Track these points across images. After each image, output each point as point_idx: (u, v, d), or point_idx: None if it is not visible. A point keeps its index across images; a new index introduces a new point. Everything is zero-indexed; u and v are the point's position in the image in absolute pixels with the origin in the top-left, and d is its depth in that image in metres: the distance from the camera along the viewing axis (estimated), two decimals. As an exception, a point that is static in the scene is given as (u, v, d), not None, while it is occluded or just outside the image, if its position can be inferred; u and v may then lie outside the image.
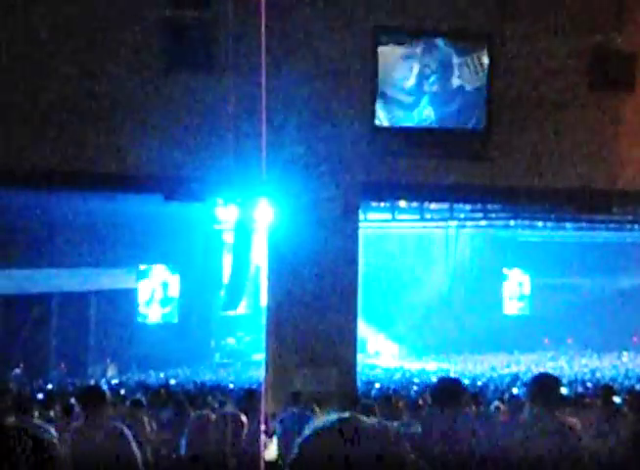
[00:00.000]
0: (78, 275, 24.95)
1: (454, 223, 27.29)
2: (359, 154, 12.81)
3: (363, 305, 14.34)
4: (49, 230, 23.23)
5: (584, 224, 24.75)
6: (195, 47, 12.19)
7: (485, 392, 14.64)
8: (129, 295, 28.51)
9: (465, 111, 12.93)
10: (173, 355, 27.59)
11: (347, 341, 12.81)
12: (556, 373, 20.91)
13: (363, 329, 22.56)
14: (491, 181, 13.29)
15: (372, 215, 22.25)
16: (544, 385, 4.70)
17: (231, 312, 30.38)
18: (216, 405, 9.92)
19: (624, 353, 31.06)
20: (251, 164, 11.92)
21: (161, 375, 23.35)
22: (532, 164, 13.19)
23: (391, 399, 8.77)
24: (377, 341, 32.42)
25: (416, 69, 12.70)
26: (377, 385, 16.47)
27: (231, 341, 31.59)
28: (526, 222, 25.95)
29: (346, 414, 1.63)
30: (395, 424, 5.58)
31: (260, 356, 17.73)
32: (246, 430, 6.16)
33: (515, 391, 14.31)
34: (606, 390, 9.05)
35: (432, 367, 27.29)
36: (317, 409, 8.56)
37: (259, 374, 18.27)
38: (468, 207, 22.62)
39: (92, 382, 18.06)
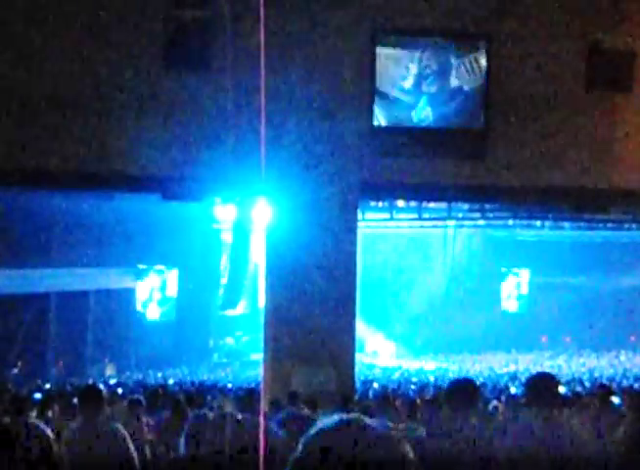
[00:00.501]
0: (77, 275, 24.94)
1: (452, 223, 27.29)
2: (358, 153, 12.82)
3: (361, 305, 14.36)
4: (47, 230, 23.23)
5: (582, 224, 24.77)
6: (194, 46, 12.19)
7: (483, 391, 14.64)
8: (128, 294, 28.51)
9: (463, 110, 12.94)
10: (172, 355, 27.61)
11: (345, 340, 12.82)
12: (554, 372, 20.93)
13: (361, 329, 22.55)
14: (489, 181, 13.30)
15: (370, 215, 22.26)
16: (542, 384, 4.70)
17: (229, 312, 30.39)
18: (215, 405, 9.92)
19: (622, 353, 31.09)
20: (249, 163, 11.92)
21: (160, 375, 23.35)
22: (530, 164, 13.21)
23: (389, 399, 8.77)
24: (375, 340, 32.43)
25: (414, 69, 12.71)
26: (375, 384, 16.49)
27: (229, 340, 31.60)
28: (524, 222, 25.96)
29: (350, 415, 1.64)
30: (401, 426, 5.58)
31: (259, 356, 17.75)
32: (244, 430, 6.16)
33: (513, 390, 14.32)
34: (603, 389, 9.05)
35: (430, 367, 27.31)
36: (315, 410, 8.57)
37: (258, 374, 18.28)
38: (466, 206, 22.62)
39: (90, 381, 18.05)
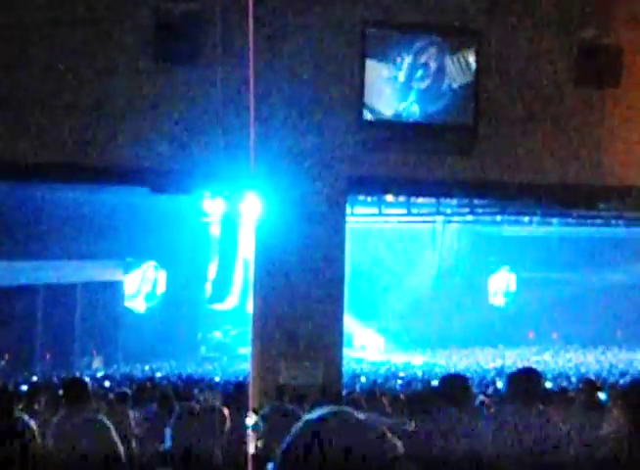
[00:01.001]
0: (64, 267, 24.89)
1: (441, 218, 27.35)
2: (347, 148, 12.81)
3: (350, 300, 14.39)
4: (35, 223, 23.15)
5: (570, 220, 24.86)
6: (182, 39, 12.16)
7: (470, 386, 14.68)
8: (116, 287, 28.47)
9: (452, 106, 12.95)
10: (159, 348, 27.58)
11: (333, 335, 12.83)
12: (540, 367, 21.07)
13: (349, 323, 22.61)
14: (478, 176, 13.32)
15: (359, 210, 22.28)
16: (524, 379, 4.73)
17: (217, 306, 30.38)
18: (202, 399, 9.94)
19: (609, 348, 31.26)
20: (238, 156, 11.90)
21: (147, 368, 23.34)
22: (518, 160, 13.23)
23: (376, 393, 8.79)
24: (363, 335, 32.50)
25: (405, 63, 12.71)
26: (362, 379, 16.53)
27: (217, 334, 31.60)
28: (512, 218, 26.03)
29: (337, 408, 1.64)
30: (390, 420, 5.60)
31: (246, 350, 17.75)
32: (230, 423, 6.18)
33: (499, 385, 14.39)
34: (589, 384, 9.10)
35: (417, 361, 27.39)
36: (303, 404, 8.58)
37: (245, 368, 18.29)
38: (454, 202, 22.66)
39: (77, 374, 18.02)
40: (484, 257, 35.33)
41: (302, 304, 12.43)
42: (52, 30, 12.11)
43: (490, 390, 12.90)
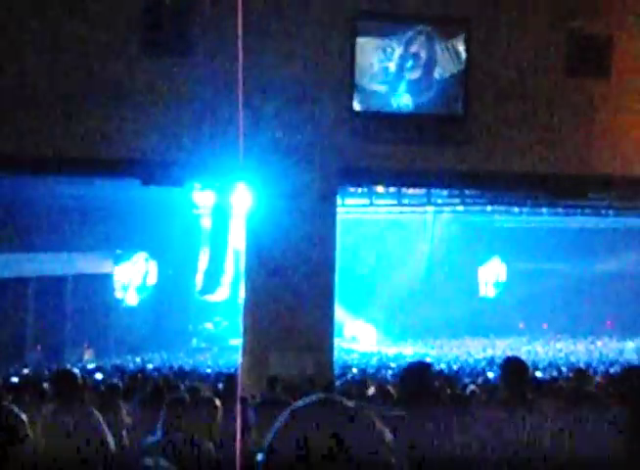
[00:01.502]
0: (55, 259, 24.83)
1: (431, 209, 27.39)
2: (337, 139, 12.81)
3: (340, 291, 14.40)
4: (26, 215, 23.07)
5: (560, 210, 24.91)
6: (172, 31, 12.12)
7: (461, 375, 14.75)
8: (107, 279, 28.43)
9: (443, 96, 12.95)
10: (151, 340, 27.57)
11: (324, 326, 12.85)
12: (531, 357, 21.13)
13: (340, 314, 22.64)
14: (468, 167, 13.34)
15: (350, 201, 22.29)
16: (513, 369, 4.75)
17: (209, 297, 30.36)
18: (193, 390, 9.93)
19: (598, 338, 31.39)
20: (228, 148, 11.89)
21: (138, 360, 23.33)
22: (509, 150, 13.25)
23: (367, 383, 8.83)
24: (354, 326, 32.55)
25: (395, 54, 12.70)
26: (354, 370, 16.57)
27: (209, 326, 31.60)
28: (503, 208, 26.08)
29: (323, 396, 1.65)
30: (377, 407, 5.61)
31: (238, 341, 17.75)
32: (221, 414, 6.19)
33: (490, 375, 14.44)
34: (579, 374, 9.15)
35: (408, 352, 27.46)
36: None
37: (236, 359, 18.30)
38: (445, 192, 22.69)
39: (68, 367, 18.00)
40: (475, 247, 35.39)
41: (293, 295, 12.44)
42: (40, 22, 12.05)
43: (481, 380, 12.94)
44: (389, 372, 15.92)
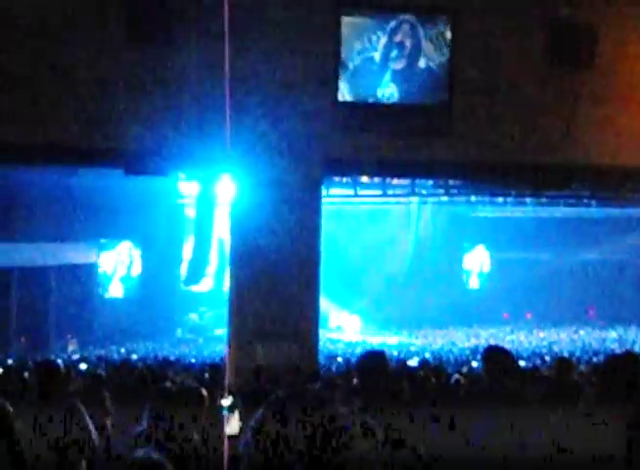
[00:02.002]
0: (39, 249, 24.71)
1: (416, 199, 27.42)
2: (322, 129, 12.80)
3: (325, 281, 14.41)
4: (9, 205, 22.95)
5: (543, 200, 24.99)
6: (156, 20, 12.05)
7: (446, 365, 14.82)
8: (91, 269, 28.34)
9: (428, 86, 12.96)
10: (135, 330, 27.51)
11: (309, 315, 12.87)
12: (514, 347, 21.24)
13: (325, 304, 22.67)
14: (453, 157, 13.37)
15: (334, 191, 22.27)
16: (496, 359, 4.77)
17: (193, 288, 30.30)
18: (178, 380, 9.93)
19: (581, 327, 31.58)
20: (213, 138, 11.86)
21: (123, 350, 23.28)
22: (493, 140, 13.29)
23: (350, 373, 8.84)
24: (339, 315, 32.60)
25: (379, 44, 12.69)
26: (339, 359, 16.61)
27: (193, 316, 31.56)
28: (487, 198, 26.14)
29: (300, 388, 1.66)
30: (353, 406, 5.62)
31: (222, 332, 17.76)
32: (207, 405, 6.19)
33: (474, 364, 14.52)
34: (562, 363, 9.19)
35: (393, 341, 27.55)
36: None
37: (222, 349, 18.29)
38: (429, 182, 22.72)
39: (52, 357, 17.95)
40: (459, 237, 35.50)
41: (278, 285, 12.45)
42: (23, 12, 11.96)
43: (465, 369, 13.00)
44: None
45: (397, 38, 12.72)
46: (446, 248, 35.21)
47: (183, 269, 29.42)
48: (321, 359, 14.17)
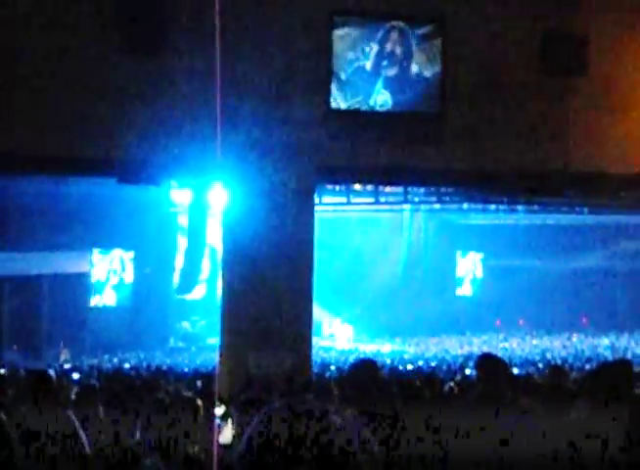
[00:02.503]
0: (31, 258, 24.64)
1: (408, 207, 27.47)
2: (314, 137, 12.80)
3: (318, 289, 14.39)
4: (0, 213, 22.89)
5: (536, 207, 25.06)
6: (148, 28, 12.05)
7: (439, 373, 14.81)
8: (83, 278, 28.26)
9: (420, 94, 12.98)
10: (128, 340, 27.43)
11: (302, 324, 12.85)
12: (507, 354, 21.23)
13: (318, 312, 22.64)
14: (445, 165, 13.38)
15: (327, 199, 22.29)
16: (489, 366, 4.77)
17: (185, 296, 30.24)
18: (171, 389, 9.91)
19: (574, 334, 31.62)
20: (205, 147, 11.85)
21: (115, 359, 23.21)
22: (486, 148, 13.31)
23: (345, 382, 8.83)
24: (332, 324, 32.57)
25: (371, 52, 12.72)
26: (332, 367, 16.59)
27: (186, 325, 31.49)
28: (479, 206, 26.20)
29: (297, 398, 1.65)
30: (350, 412, 5.60)
31: (215, 340, 17.72)
32: (201, 414, 6.18)
33: (467, 371, 14.51)
34: (556, 370, 9.20)
35: (386, 349, 27.54)
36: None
37: (214, 358, 18.25)
38: (422, 190, 22.76)
39: (45, 367, 17.88)
40: (452, 245, 35.55)
41: (271, 294, 12.43)
42: (13, 19, 11.95)
43: (459, 376, 12.99)
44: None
45: (389, 47, 12.75)
46: (439, 255, 35.25)
47: (176, 278, 29.39)
48: (314, 368, 14.14)
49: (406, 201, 24.10)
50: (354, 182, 19.69)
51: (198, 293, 30.35)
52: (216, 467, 4.29)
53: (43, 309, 26.00)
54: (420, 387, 8.58)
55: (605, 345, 27.90)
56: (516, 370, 14.39)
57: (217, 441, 5.80)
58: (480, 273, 36.98)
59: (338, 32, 12.63)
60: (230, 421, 7.46)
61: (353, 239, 33.44)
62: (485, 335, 31.97)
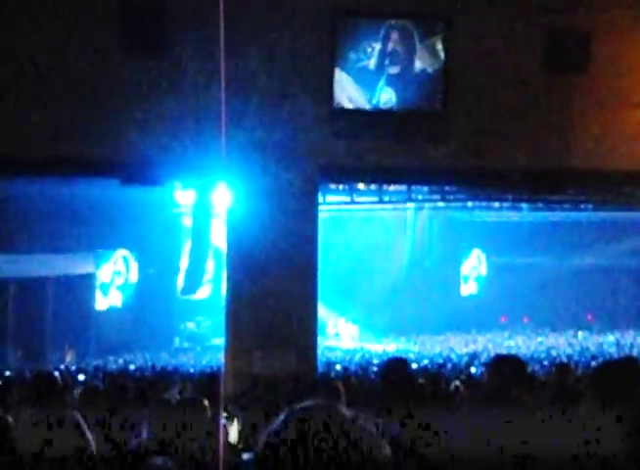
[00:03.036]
0: (35, 261, 24.67)
1: (412, 205, 27.45)
2: (318, 137, 12.79)
3: (322, 288, 14.40)
4: (4, 216, 22.92)
5: (540, 204, 25.04)
6: (152, 28, 12.05)
7: (444, 371, 14.79)
8: (87, 280, 28.26)
9: (424, 93, 12.97)
10: (133, 340, 27.46)
11: (307, 323, 12.85)
12: (512, 352, 21.21)
13: (323, 311, 22.64)
14: (449, 163, 13.37)
15: (331, 198, 22.29)
16: (504, 366, 4.74)
17: (190, 296, 30.27)
18: (176, 390, 9.91)
19: (580, 332, 31.58)
20: (209, 147, 11.85)
21: (120, 360, 23.23)
22: (488, 146, 13.29)
23: (351, 381, 8.83)
24: (336, 323, 32.55)
25: (374, 51, 12.70)
26: (337, 367, 16.58)
27: (191, 325, 31.51)
28: (483, 203, 26.18)
29: (323, 402, 1.62)
30: (376, 419, 5.59)
31: (220, 340, 17.72)
32: (207, 414, 6.17)
33: (473, 370, 14.50)
34: (561, 368, 9.20)
35: (391, 348, 27.52)
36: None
37: (219, 358, 18.25)
38: (426, 188, 22.74)
39: (50, 368, 17.90)
40: (456, 243, 35.50)
41: (276, 293, 12.43)
42: (16, 20, 11.95)
43: (464, 375, 12.98)
44: (374, 369, 15.94)
45: (392, 45, 12.73)
46: (443, 253, 35.21)
47: (180, 279, 29.42)
48: (319, 367, 14.14)
49: (410, 199, 24.10)
50: (358, 181, 19.68)
51: (203, 293, 30.39)
52: (223, 467, 4.28)
53: (48, 311, 26.03)
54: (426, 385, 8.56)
55: (610, 342, 27.86)
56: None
57: (224, 441, 5.79)
58: (484, 271, 36.93)
59: (341, 32, 12.62)
60: (235, 421, 7.46)
61: (357, 238, 33.41)
62: (490, 333, 31.94)
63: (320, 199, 15.33)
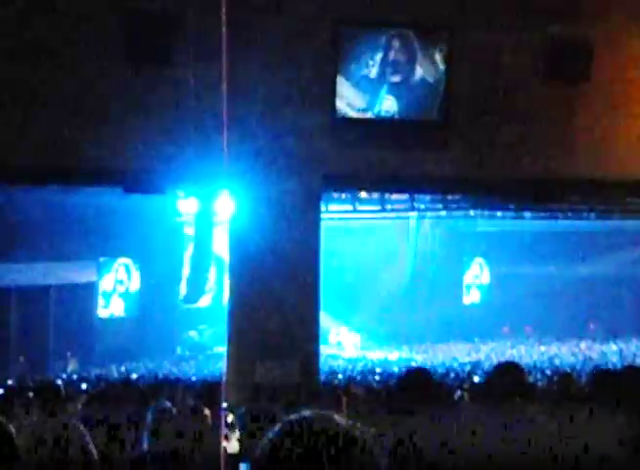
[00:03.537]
0: (37, 269, 24.67)
1: (414, 214, 27.45)
2: (320, 146, 12.82)
3: (325, 296, 14.39)
4: (6, 225, 22.93)
5: (542, 214, 25.02)
6: (155, 39, 12.09)
7: (447, 380, 14.78)
8: (89, 288, 28.25)
9: (426, 101, 12.99)
10: (135, 349, 27.42)
11: (309, 332, 12.84)
12: (515, 361, 21.08)
13: (325, 320, 22.63)
14: (451, 172, 13.39)
15: (333, 207, 22.29)
16: (507, 374, 4.73)
17: (192, 305, 30.24)
18: (178, 399, 9.89)
19: (582, 341, 31.51)
20: (212, 156, 11.87)
21: (123, 369, 23.21)
22: (491, 155, 13.31)
23: (351, 390, 8.82)
24: (339, 332, 32.51)
25: (376, 59, 12.73)
26: (339, 376, 16.56)
27: (193, 334, 31.48)
28: (486, 212, 26.16)
29: (319, 412, 1.62)
30: (372, 430, 5.57)
31: (222, 349, 17.71)
32: (209, 423, 6.17)
33: (476, 379, 14.48)
34: (564, 377, 9.18)
35: (394, 357, 27.48)
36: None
37: (221, 367, 18.23)
38: (428, 197, 22.75)
39: (52, 377, 17.89)
40: (459, 252, 35.48)
41: (278, 302, 12.43)
42: (19, 30, 11.99)
43: (467, 384, 12.96)
44: (376, 378, 15.92)
45: (393, 55, 12.76)
46: (445, 262, 35.17)
47: (182, 287, 29.39)
48: (321, 376, 14.12)
49: (412, 208, 24.10)
50: (360, 190, 19.69)
51: (205, 302, 30.35)
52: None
53: (50, 320, 26.01)
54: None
55: (613, 351, 27.80)
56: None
57: (225, 449, 5.79)
58: (487, 280, 36.89)
59: (343, 41, 12.66)
60: (237, 431, 7.45)
61: (360, 247, 33.38)
62: (493, 342, 31.89)
63: (322, 208, 15.34)
